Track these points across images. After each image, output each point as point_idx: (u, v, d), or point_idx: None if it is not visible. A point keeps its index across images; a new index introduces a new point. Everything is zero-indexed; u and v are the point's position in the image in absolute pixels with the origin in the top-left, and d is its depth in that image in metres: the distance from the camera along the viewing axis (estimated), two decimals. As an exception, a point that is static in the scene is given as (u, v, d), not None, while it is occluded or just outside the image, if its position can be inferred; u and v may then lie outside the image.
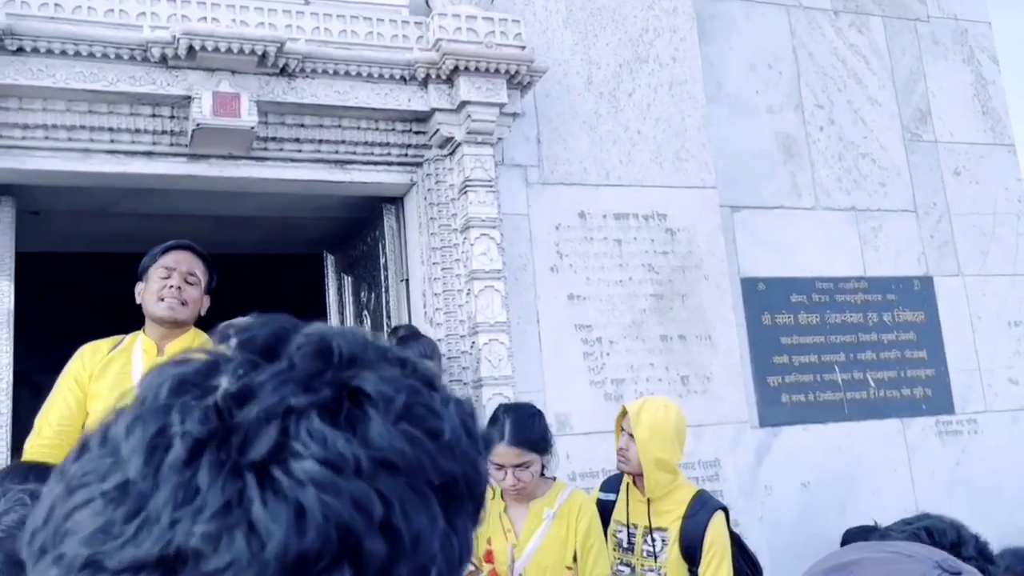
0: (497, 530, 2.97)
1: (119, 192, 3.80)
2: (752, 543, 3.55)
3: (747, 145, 4.79)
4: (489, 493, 3.04)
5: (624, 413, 3.07)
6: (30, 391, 4.26)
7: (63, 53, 3.24)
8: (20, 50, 3.20)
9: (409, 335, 3.49)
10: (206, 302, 3.03)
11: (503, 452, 2.85)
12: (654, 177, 4.30)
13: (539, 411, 3.02)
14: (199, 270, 2.96)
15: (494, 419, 2.95)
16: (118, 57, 3.31)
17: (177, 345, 2.92)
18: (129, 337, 2.96)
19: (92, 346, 2.92)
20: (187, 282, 2.92)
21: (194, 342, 2.97)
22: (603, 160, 4.23)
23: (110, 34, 3.28)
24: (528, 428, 2.91)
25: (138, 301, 2.97)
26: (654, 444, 2.93)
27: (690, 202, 4.33)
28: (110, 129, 3.44)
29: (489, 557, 2.95)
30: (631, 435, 2.99)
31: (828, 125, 5.03)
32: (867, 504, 4.47)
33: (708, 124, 4.49)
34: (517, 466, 2.85)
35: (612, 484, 3.20)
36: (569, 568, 2.92)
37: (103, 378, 2.83)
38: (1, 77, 3.19)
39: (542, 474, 3.02)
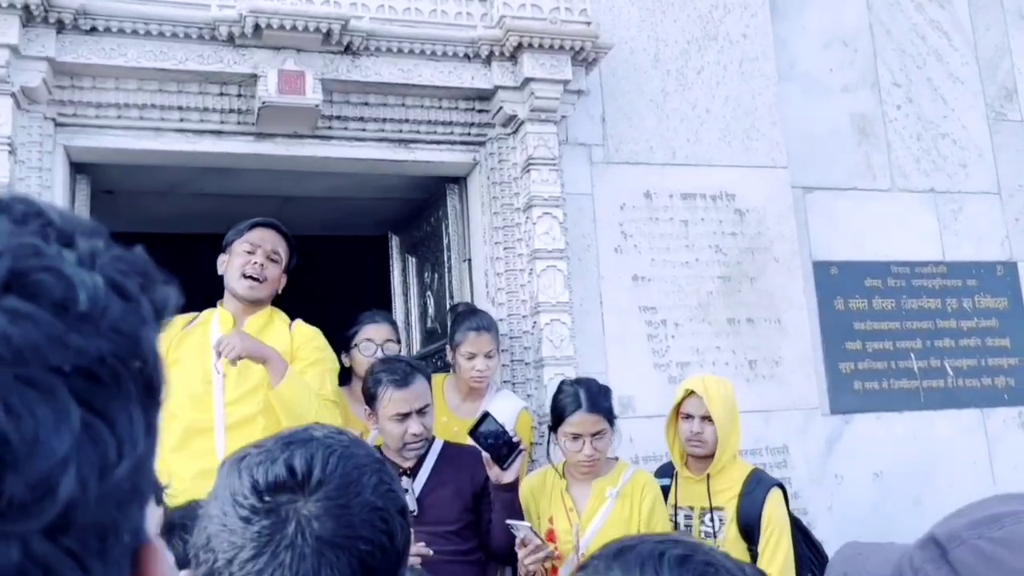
0: (559, 509, 2.94)
1: (188, 171, 3.87)
2: (821, 533, 3.45)
3: (820, 125, 4.64)
4: (551, 471, 3.02)
5: (686, 395, 3.01)
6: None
7: (134, 32, 3.30)
8: (93, 30, 3.27)
9: (467, 311, 3.48)
10: (283, 281, 3.09)
11: (581, 420, 2.85)
12: (722, 156, 4.20)
13: (605, 385, 3.01)
14: (282, 249, 3.02)
15: (560, 391, 2.95)
16: (187, 36, 3.36)
17: (256, 321, 2.98)
18: (205, 312, 3.03)
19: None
20: (270, 259, 2.98)
21: (272, 319, 3.03)
22: (670, 139, 4.14)
23: (179, 13, 3.33)
24: (602, 397, 2.92)
25: (220, 272, 3.04)
26: (728, 421, 2.92)
27: (760, 182, 4.22)
28: (179, 108, 3.50)
29: (551, 536, 2.92)
30: (703, 417, 2.93)
31: (906, 104, 4.84)
32: (943, 497, 4.30)
33: (779, 103, 4.37)
34: (594, 435, 2.83)
35: (667, 469, 3.16)
36: (632, 550, 2.87)
37: (181, 347, 2.90)
38: (75, 56, 3.27)
39: None
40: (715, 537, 2.89)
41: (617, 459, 3.04)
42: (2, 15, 3.06)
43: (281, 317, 3.08)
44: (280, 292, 3.08)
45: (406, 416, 2.73)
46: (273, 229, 3.04)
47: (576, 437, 2.84)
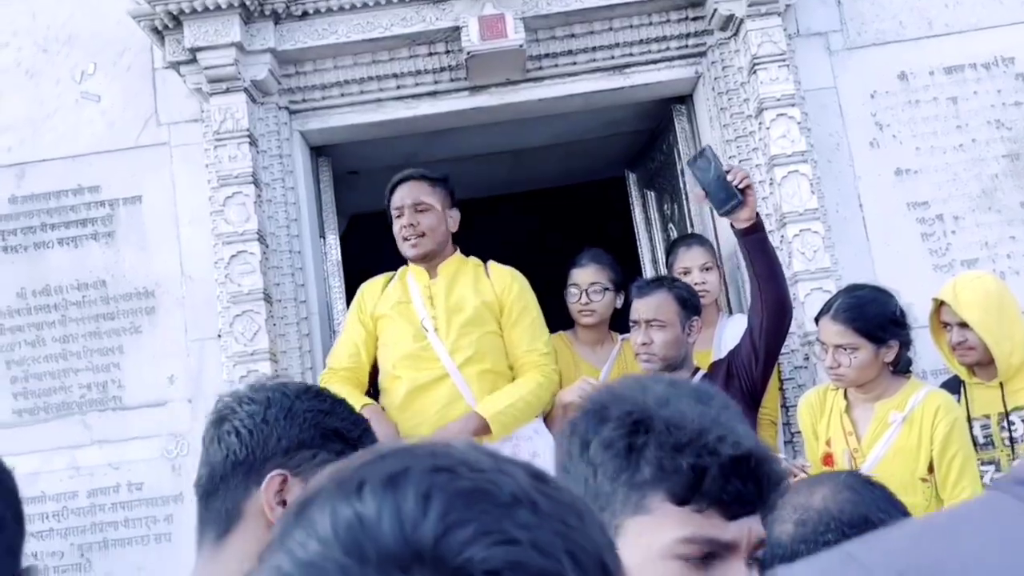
0: (837, 432, 2.67)
1: (416, 139, 3.95)
2: None
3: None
4: (832, 390, 2.72)
5: (939, 306, 2.72)
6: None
7: (340, 9, 3.40)
8: (304, 15, 3.42)
9: (680, 235, 3.28)
10: (454, 216, 3.05)
11: (822, 327, 2.63)
12: (992, 15, 3.57)
13: (886, 294, 2.65)
14: (424, 195, 2.97)
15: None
16: (388, 2, 3.41)
17: (446, 270, 3.00)
18: (400, 270, 3.10)
19: (369, 285, 3.11)
20: (418, 211, 2.95)
21: (462, 267, 3.01)
22: (922, 8, 3.59)
23: (377, -21, 3.38)
24: (862, 308, 2.57)
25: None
26: (991, 319, 2.57)
27: (1046, 37, 3.54)
28: (394, 75, 3.57)
29: (828, 460, 2.66)
30: (960, 324, 2.63)
31: None
32: None
33: (1063, -61, 3.63)
34: (838, 347, 2.54)
35: (950, 387, 2.78)
36: (924, 480, 2.52)
37: (385, 305, 3.00)
38: (293, 43, 3.43)
39: (894, 371, 2.64)
40: (1020, 442, 2.51)
41: (909, 377, 2.68)
42: (224, 16, 3.28)
43: (474, 263, 3.07)
44: (454, 229, 3.05)
45: (636, 324, 2.79)
46: (408, 181, 3.00)
47: (823, 346, 2.58)
